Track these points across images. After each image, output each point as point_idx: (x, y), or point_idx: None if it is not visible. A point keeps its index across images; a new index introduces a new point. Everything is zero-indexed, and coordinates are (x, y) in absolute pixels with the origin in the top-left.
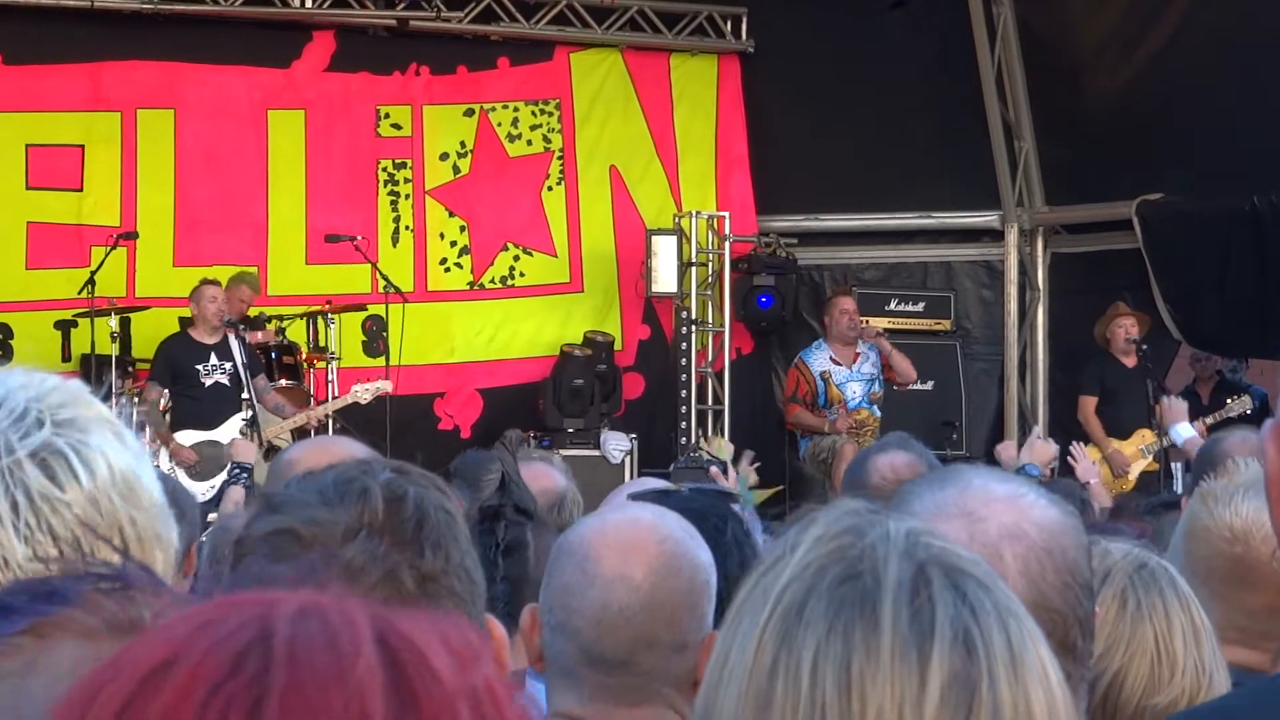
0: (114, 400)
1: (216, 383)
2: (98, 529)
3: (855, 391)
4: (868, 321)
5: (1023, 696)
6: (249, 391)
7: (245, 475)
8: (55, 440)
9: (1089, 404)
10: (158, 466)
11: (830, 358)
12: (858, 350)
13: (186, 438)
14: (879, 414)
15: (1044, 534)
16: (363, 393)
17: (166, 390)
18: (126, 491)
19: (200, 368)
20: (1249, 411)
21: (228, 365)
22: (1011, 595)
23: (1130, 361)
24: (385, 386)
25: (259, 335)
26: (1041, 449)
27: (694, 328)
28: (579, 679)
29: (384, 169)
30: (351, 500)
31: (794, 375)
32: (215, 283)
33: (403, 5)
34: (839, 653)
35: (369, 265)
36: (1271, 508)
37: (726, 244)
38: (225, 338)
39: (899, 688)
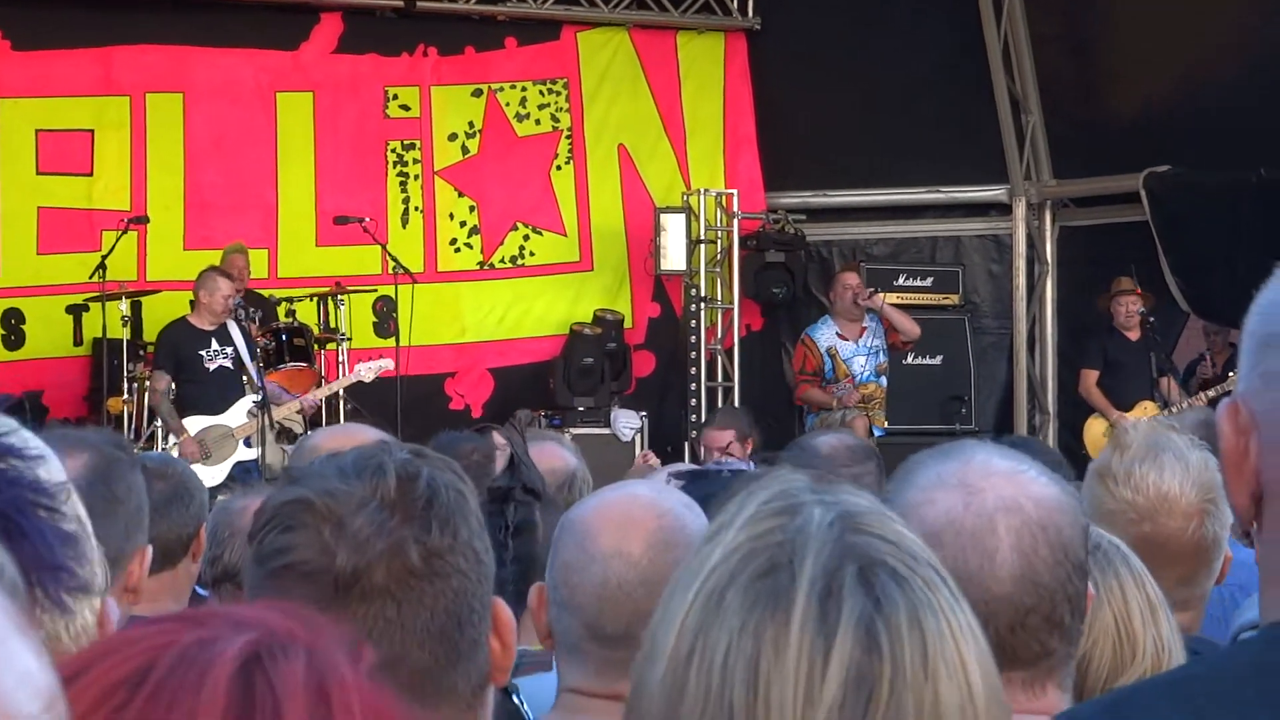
0: (125, 384)
1: (220, 367)
2: None
3: (862, 365)
4: (871, 293)
5: (930, 693)
6: (255, 374)
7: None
8: None
9: (1090, 377)
10: (165, 450)
11: (836, 333)
12: (863, 325)
13: (195, 423)
14: (885, 384)
15: (1040, 509)
16: (365, 371)
17: (170, 378)
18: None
19: (203, 353)
20: None
21: (229, 349)
22: (940, 586)
23: (1134, 335)
24: (386, 364)
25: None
26: None
27: (703, 305)
28: (584, 654)
29: (393, 150)
30: (367, 476)
31: (801, 351)
32: (228, 275)
33: None
34: (749, 649)
35: (379, 246)
36: (1228, 485)
37: (735, 221)
38: (224, 323)
39: (801, 686)
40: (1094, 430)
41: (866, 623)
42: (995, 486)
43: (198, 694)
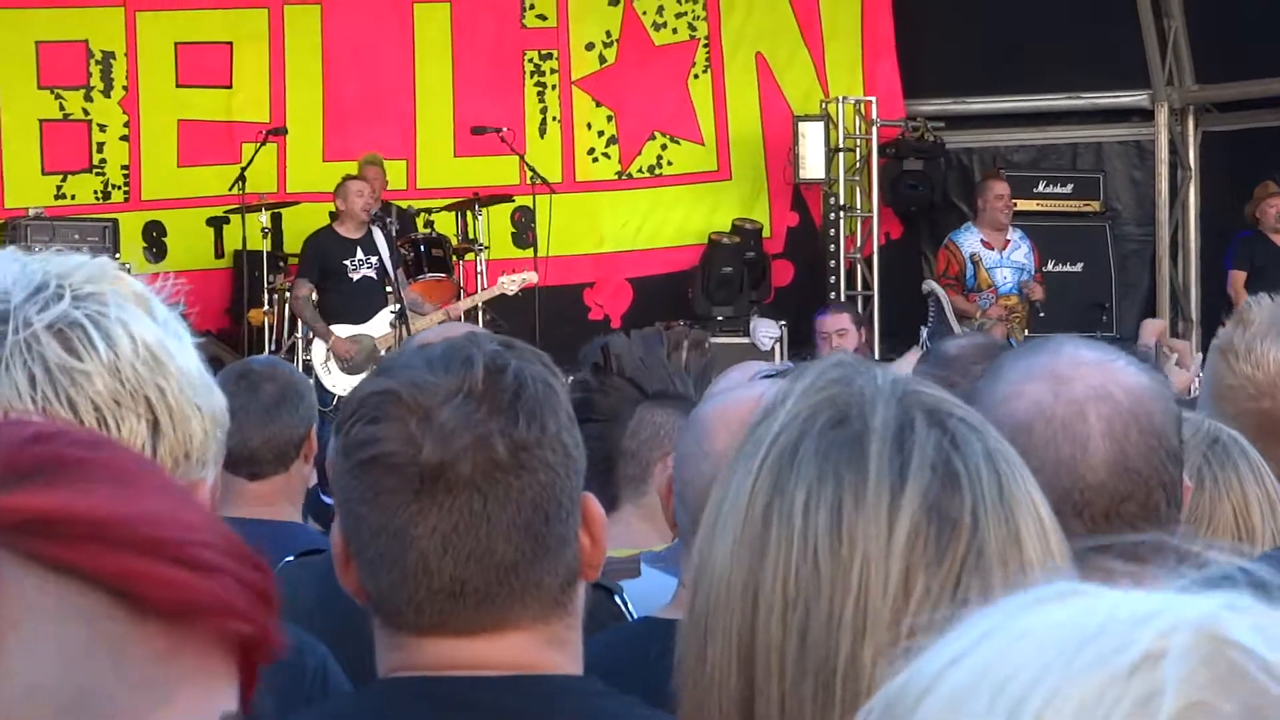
0: (265, 296)
1: (365, 277)
2: (120, 399)
3: (1005, 277)
4: (1016, 204)
5: (1011, 532)
6: (395, 284)
7: None
8: (73, 312)
9: (1239, 278)
10: (295, 361)
11: (981, 240)
12: (1008, 237)
13: (339, 332)
14: (1025, 302)
15: (1130, 397)
16: (509, 284)
17: (313, 286)
18: (152, 361)
19: (348, 263)
20: None
21: (373, 259)
22: (1004, 441)
23: None
24: (531, 277)
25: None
26: (1178, 374)
27: (842, 214)
28: None
29: (530, 60)
30: (455, 367)
31: (944, 255)
32: (359, 177)
33: None
34: (830, 494)
35: (516, 157)
36: None
37: (874, 129)
38: (370, 231)
39: (881, 523)
40: None
41: (944, 458)
42: (1084, 376)
43: None
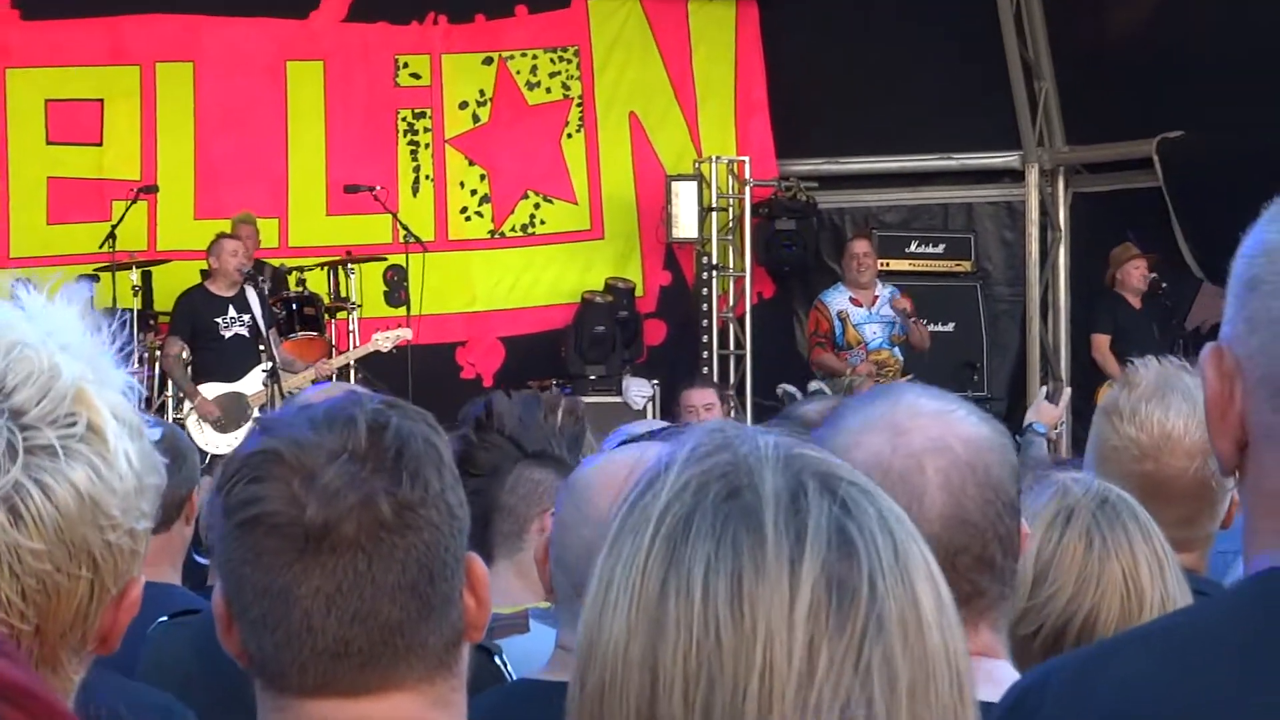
0: (135, 358)
1: (236, 335)
2: (62, 566)
3: (875, 333)
4: (888, 264)
5: (910, 597)
6: (267, 342)
7: None
8: (25, 482)
9: (1103, 342)
10: (167, 419)
11: (849, 298)
12: (875, 293)
13: (209, 390)
14: (901, 356)
15: (969, 449)
16: (383, 341)
17: (185, 344)
18: (101, 518)
19: (220, 321)
20: None
21: (246, 317)
22: (893, 503)
23: (1138, 303)
24: (405, 334)
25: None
26: (1047, 409)
27: (715, 273)
28: (574, 612)
29: (403, 119)
30: (338, 427)
31: (814, 315)
32: (233, 236)
33: None
34: (729, 567)
35: (389, 215)
36: (1211, 431)
37: (747, 189)
38: (242, 289)
39: (782, 594)
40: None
41: (838, 525)
42: (923, 427)
43: None
